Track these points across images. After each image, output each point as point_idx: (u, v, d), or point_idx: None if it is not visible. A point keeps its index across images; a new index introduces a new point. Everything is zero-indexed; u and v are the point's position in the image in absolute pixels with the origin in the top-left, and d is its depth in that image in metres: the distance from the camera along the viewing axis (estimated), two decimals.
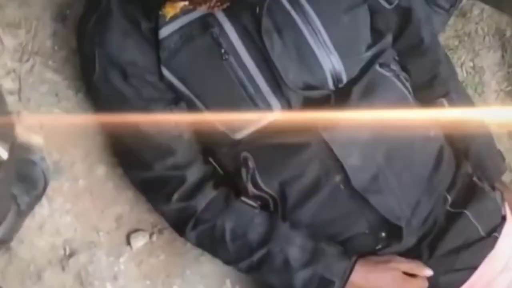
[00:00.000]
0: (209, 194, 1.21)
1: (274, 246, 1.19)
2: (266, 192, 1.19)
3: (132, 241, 1.34)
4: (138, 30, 1.13)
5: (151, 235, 1.35)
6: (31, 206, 1.26)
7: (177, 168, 1.19)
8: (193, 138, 1.21)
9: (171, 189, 1.19)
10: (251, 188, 1.19)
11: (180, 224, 1.23)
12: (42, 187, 1.27)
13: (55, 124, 1.33)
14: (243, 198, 1.21)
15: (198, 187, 1.20)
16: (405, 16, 1.27)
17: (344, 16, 1.15)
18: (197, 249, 1.34)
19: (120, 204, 1.35)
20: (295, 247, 1.19)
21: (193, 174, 1.20)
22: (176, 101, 1.16)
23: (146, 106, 1.15)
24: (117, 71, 1.14)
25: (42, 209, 1.30)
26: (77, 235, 1.32)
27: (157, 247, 1.35)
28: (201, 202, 1.20)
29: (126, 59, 1.14)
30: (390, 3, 1.22)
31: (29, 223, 1.28)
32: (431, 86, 1.32)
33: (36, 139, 1.31)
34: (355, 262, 1.20)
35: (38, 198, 1.27)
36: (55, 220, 1.31)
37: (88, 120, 1.34)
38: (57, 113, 1.33)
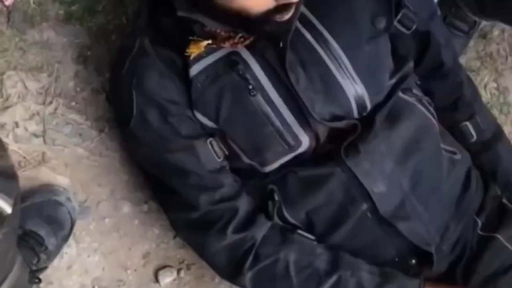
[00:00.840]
0: (264, 224, 1.17)
1: (344, 271, 1.16)
2: (292, 225, 1.18)
3: (160, 278, 1.33)
4: (173, 68, 1.13)
5: (178, 271, 1.34)
6: (58, 247, 1.27)
7: (227, 200, 1.16)
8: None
9: (224, 223, 1.16)
10: (277, 221, 1.18)
11: (235, 263, 1.17)
12: (69, 227, 1.28)
13: (80, 164, 1.34)
14: (299, 231, 1.18)
15: (252, 217, 1.17)
16: (424, 40, 1.26)
17: (366, 46, 1.15)
18: (225, 284, 1.32)
19: (147, 241, 1.35)
20: (363, 271, 1.17)
21: (244, 204, 1.17)
22: (212, 134, 1.16)
23: (188, 143, 1.14)
24: (156, 111, 1.13)
25: (70, 249, 1.31)
26: (105, 274, 1.32)
27: (185, 283, 1.35)
28: (258, 232, 1.16)
29: (165, 97, 1.13)
30: (408, 29, 1.22)
31: (58, 263, 1.29)
32: (455, 109, 1.31)
33: (61, 180, 1.32)
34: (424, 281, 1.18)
35: (65, 239, 1.28)
36: (83, 259, 1.32)
37: (111, 158, 1.35)
38: (81, 153, 1.34)
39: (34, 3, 1.33)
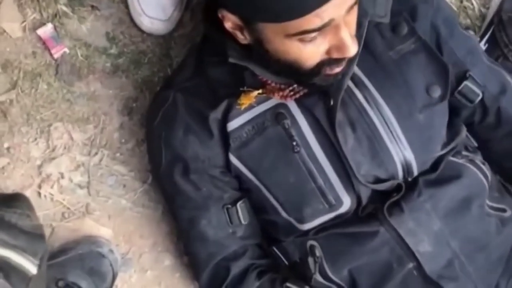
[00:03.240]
0: (251, 285, 1.19)
1: None
2: (334, 282, 1.15)
3: None
4: (202, 123, 1.13)
5: None
6: None
7: (225, 260, 1.20)
8: (249, 232, 1.21)
9: (220, 282, 1.20)
10: (319, 278, 1.15)
11: None
12: (111, 280, 1.28)
13: (123, 215, 1.35)
14: (288, 284, 1.17)
15: (241, 279, 1.20)
16: (495, 116, 1.21)
17: (419, 115, 1.12)
18: None
19: None
20: None
21: (238, 267, 1.20)
22: (233, 200, 1.18)
23: (204, 204, 1.17)
24: (181, 166, 1.16)
25: None
26: None
27: None
28: None
29: (188, 154, 1.15)
30: (470, 101, 1.18)
31: None
32: None
33: (104, 231, 1.33)
34: None
35: None
36: None
37: (153, 210, 1.36)
38: (124, 204, 1.35)
39: (81, 56, 1.36)
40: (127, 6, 1.36)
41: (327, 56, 0.99)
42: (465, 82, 1.17)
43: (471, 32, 1.26)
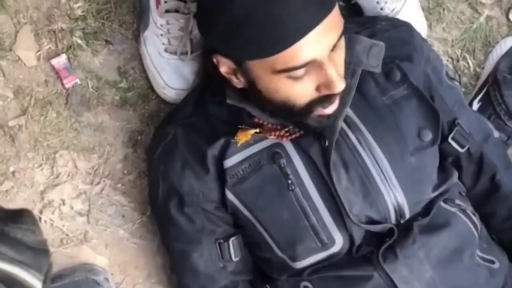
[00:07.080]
0: None
1: None
2: None
3: None
4: (199, 159, 1.17)
5: None
6: None
7: None
8: (241, 267, 1.23)
9: None
10: None
11: None
12: None
13: (120, 245, 1.37)
14: None
15: None
16: (478, 162, 1.27)
17: (411, 157, 1.17)
18: None
19: None
20: None
21: None
22: (226, 235, 1.21)
23: (197, 237, 1.20)
24: (176, 199, 1.20)
25: None
26: None
27: None
28: None
29: (184, 188, 1.19)
30: (462, 147, 1.24)
31: None
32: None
33: (100, 260, 1.35)
34: None
35: None
36: None
37: (150, 242, 1.38)
38: (122, 234, 1.37)
39: (92, 87, 1.40)
40: (138, 41, 1.40)
41: (317, 94, 1.03)
42: (457, 128, 1.23)
43: (456, 83, 1.33)
